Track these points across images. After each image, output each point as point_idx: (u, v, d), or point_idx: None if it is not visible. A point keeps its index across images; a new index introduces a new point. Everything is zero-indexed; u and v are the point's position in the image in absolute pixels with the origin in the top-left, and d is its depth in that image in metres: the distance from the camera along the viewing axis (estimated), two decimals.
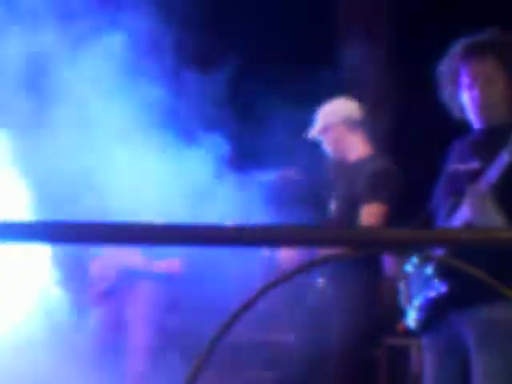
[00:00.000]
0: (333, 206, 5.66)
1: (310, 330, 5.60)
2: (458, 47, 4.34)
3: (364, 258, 5.24)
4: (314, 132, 5.58)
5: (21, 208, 6.44)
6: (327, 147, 5.61)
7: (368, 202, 5.28)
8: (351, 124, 5.73)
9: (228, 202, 6.65)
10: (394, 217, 5.32)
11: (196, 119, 8.23)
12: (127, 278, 6.57)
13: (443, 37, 4.71)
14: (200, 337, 6.70)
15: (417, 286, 4.38)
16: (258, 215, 6.42)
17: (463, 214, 4.18)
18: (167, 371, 6.35)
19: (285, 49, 9.28)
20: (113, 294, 6.55)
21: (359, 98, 6.05)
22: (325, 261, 4.03)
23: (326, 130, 5.54)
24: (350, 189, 5.54)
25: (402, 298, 4.46)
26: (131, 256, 6.51)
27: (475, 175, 4.18)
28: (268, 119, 7.30)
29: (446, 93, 4.41)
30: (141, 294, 6.49)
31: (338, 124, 5.65)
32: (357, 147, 5.59)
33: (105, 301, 6.47)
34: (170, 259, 6.63)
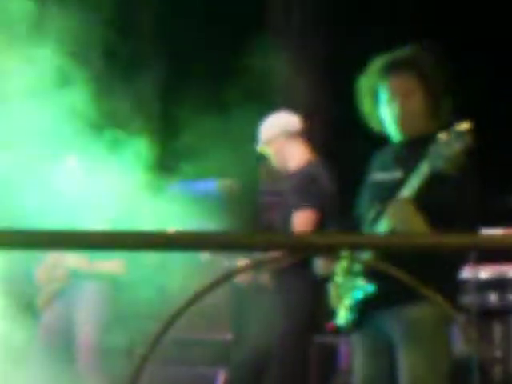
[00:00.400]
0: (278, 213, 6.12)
1: (248, 328, 6.28)
2: (376, 64, 4.57)
3: (299, 262, 5.57)
4: (259, 146, 5.92)
5: None
6: (272, 159, 5.93)
7: (297, 208, 5.63)
8: (289, 136, 6.02)
9: (169, 209, 6.81)
10: (329, 217, 5.68)
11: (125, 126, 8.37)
12: (74, 279, 6.64)
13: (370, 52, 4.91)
14: (142, 336, 7.06)
15: (346, 287, 4.48)
16: (201, 222, 6.78)
17: (387, 221, 4.34)
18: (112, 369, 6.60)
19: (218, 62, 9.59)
20: (61, 294, 6.60)
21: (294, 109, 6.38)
22: (257, 265, 4.29)
23: (268, 143, 5.86)
24: (288, 196, 5.91)
25: (332, 298, 4.57)
26: (76, 258, 6.57)
27: (398, 184, 4.37)
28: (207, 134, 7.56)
29: (365, 108, 4.60)
30: (86, 294, 6.56)
31: (277, 137, 5.90)
32: (296, 157, 5.85)
33: (54, 302, 6.53)
34: (113, 260, 6.71)
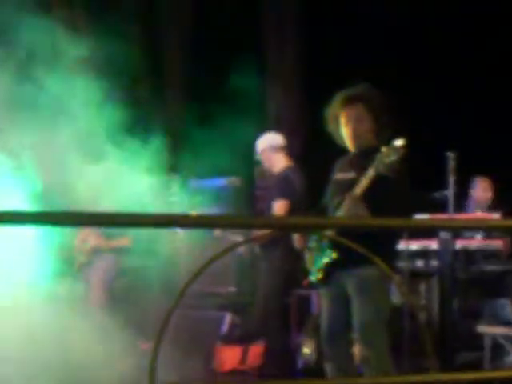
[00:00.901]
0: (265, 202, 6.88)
1: (247, 283, 7.07)
2: (337, 98, 4.96)
3: (280, 237, 6.12)
4: (256, 154, 6.76)
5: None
6: (264, 164, 6.72)
7: (276, 200, 6.37)
8: (274, 149, 6.56)
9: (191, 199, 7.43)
10: (297, 207, 6.32)
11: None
12: (94, 254, 7.10)
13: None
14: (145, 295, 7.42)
15: (317, 254, 4.91)
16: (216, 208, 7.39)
17: (344, 209, 4.69)
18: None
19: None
20: (86, 264, 7.08)
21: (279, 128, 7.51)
22: (253, 240, 4.64)
23: (260, 153, 6.64)
24: (272, 190, 6.65)
25: (307, 262, 4.98)
26: (95, 237, 7.01)
27: (352, 183, 4.81)
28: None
29: (330, 128, 5.03)
30: (101, 264, 7.00)
31: (265, 149, 6.51)
32: (278, 164, 6.60)
33: (82, 270, 7.03)
34: (121, 236, 7.16)
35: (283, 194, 6.41)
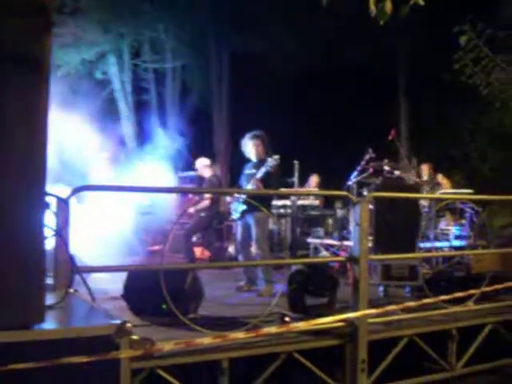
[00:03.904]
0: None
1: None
2: (247, 136, 7.23)
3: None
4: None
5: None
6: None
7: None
8: (205, 165, 8.85)
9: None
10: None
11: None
12: None
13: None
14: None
15: (236, 206, 7.19)
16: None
17: (250, 186, 6.90)
18: None
19: None
20: None
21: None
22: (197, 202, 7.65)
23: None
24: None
25: (234, 212, 7.20)
26: None
27: (253, 175, 7.02)
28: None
29: (243, 149, 7.32)
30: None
31: (201, 166, 8.86)
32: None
33: None
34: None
35: (212, 186, 8.75)
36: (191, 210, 8.74)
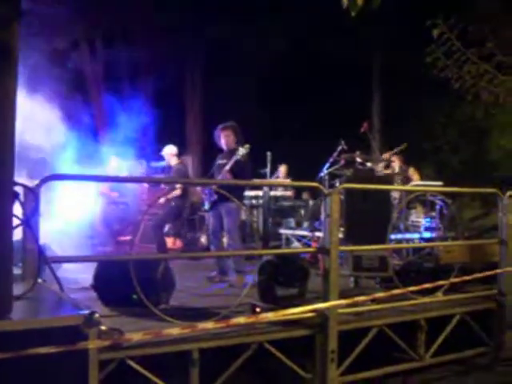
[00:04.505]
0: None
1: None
2: (219, 126, 7.28)
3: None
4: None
5: None
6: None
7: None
8: (172, 154, 8.74)
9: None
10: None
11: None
12: None
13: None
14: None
15: (209, 196, 7.20)
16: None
17: (220, 177, 6.94)
18: None
19: None
20: None
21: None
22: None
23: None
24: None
25: (207, 206, 7.28)
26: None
27: (224, 165, 7.07)
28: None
29: (216, 139, 7.39)
30: None
31: (168, 153, 8.75)
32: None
33: None
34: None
35: (179, 174, 8.64)
36: (162, 200, 8.65)
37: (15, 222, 3.32)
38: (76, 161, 8.87)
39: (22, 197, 3.65)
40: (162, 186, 9.50)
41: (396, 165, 10.69)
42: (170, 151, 8.96)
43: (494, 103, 11.67)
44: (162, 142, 9.45)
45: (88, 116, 14.07)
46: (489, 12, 11.03)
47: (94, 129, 15.34)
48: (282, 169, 11.78)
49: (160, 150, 9.01)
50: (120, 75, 17.46)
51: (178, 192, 8.62)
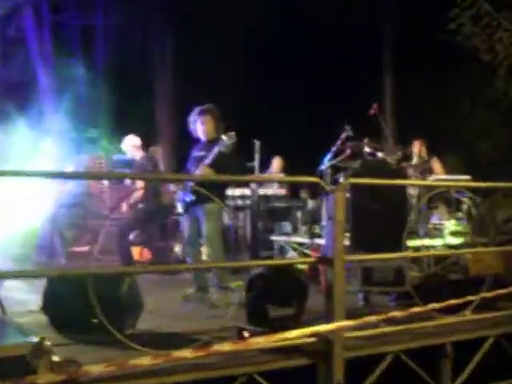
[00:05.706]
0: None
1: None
2: (195, 110, 7.27)
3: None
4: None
5: None
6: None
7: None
8: (135, 146, 8.77)
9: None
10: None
11: None
12: None
13: None
14: None
15: (184, 196, 7.10)
16: None
17: (197, 172, 6.91)
18: None
19: None
20: None
21: None
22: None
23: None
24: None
25: (182, 207, 7.20)
26: None
27: (202, 158, 7.04)
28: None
29: (191, 127, 7.33)
30: None
31: (129, 145, 8.79)
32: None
33: None
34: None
35: (142, 169, 8.65)
36: (124, 204, 8.57)
37: None
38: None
39: None
40: (128, 182, 9.37)
41: (415, 153, 10.54)
42: (131, 143, 8.87)
43: None
44: (124, 130, 9.42)
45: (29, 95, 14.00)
46: None
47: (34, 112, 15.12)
48: (276, 162, 11.69)
49: (121, 140, 8.95)
50: (71, 47, 17.28)
51: (139, 193, 8.54)
